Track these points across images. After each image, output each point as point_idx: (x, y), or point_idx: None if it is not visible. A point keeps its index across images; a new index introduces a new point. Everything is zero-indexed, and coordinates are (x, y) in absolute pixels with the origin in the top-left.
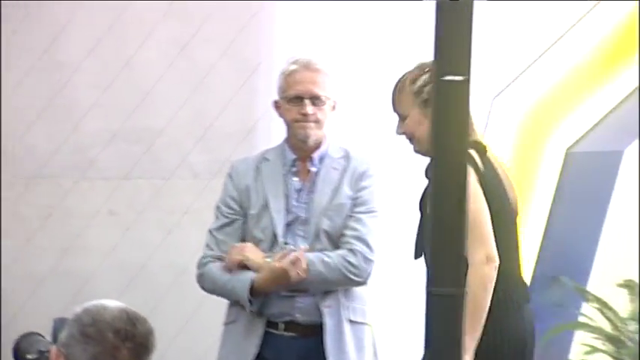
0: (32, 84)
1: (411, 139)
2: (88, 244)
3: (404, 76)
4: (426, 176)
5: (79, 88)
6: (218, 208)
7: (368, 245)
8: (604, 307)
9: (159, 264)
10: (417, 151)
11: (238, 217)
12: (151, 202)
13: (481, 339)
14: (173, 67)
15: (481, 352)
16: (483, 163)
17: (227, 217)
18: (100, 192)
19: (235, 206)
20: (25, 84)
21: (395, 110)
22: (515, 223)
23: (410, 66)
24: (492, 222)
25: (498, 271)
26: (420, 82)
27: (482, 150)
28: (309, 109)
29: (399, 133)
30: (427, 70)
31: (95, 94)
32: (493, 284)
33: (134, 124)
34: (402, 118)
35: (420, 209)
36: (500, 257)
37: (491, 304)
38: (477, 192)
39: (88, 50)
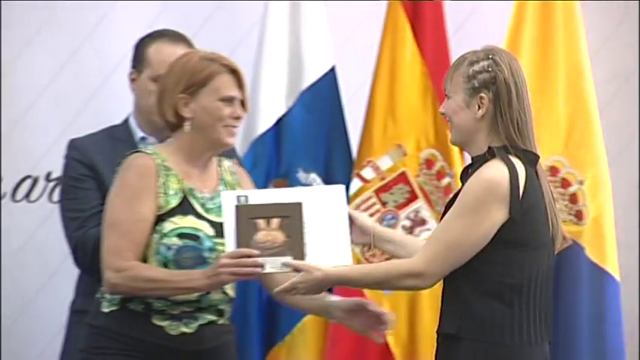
0: None
1: (449, 121)
2: None
3: (467, 53)
4: (461, 180)
5: None
6: None
7: None
8: None
9: None
10: (451, 141)
11: None
12: None
13: None
14: None
15: None
16: (528, 177)
17: None
18: None
19: None
20: None
21: (444, 86)
22: (551, 254)
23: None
24: (515, 247)
25: (519, 304)
26: (477, 67)
27: (532, 161)
28: None
29: (441, 111)
30: (491, 56)
31: None
32: (400, 290)
33: None
34: (447, 97)
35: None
36: (523, 287)
37: (510, 340)
38: (479, 213)
39: None
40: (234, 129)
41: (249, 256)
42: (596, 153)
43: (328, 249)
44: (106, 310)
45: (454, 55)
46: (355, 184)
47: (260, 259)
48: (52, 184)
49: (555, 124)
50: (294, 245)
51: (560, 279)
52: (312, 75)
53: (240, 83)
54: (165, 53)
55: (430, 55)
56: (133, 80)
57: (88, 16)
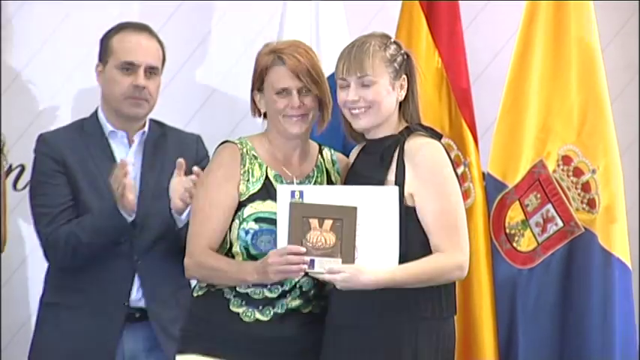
0: None
1: (368, 107)
2: None
3: (363, 40)
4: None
5: None
6: None
7: None
8: None
9: None
10: (363, 127)
11: None
12: None
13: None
14: None
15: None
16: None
17: None
18: None
19: None
20: None
21: (359, 73)
22: None
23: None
24: None
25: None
26: (391, 51)
27: (439, 136)
28: None
29: (352, 98)
30: (392, 40)
31: None
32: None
33: None
34: (366, 84)
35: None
36: None
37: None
38: (457, 186)
39: None
40: (295, 118)
41: (297, 253)
42: (608, 142)
43: (377, 251)
44: (194, 294)
45: (468, 47)
46: None
47: (308, 258)
48: None
49: (568, 113)
50: (345, 248)
51: (573, 266)
52: (330, 65)
53: (295, 72)
54: (128, 41)
55: (445, 47)
56: (99, 73)
57: None
